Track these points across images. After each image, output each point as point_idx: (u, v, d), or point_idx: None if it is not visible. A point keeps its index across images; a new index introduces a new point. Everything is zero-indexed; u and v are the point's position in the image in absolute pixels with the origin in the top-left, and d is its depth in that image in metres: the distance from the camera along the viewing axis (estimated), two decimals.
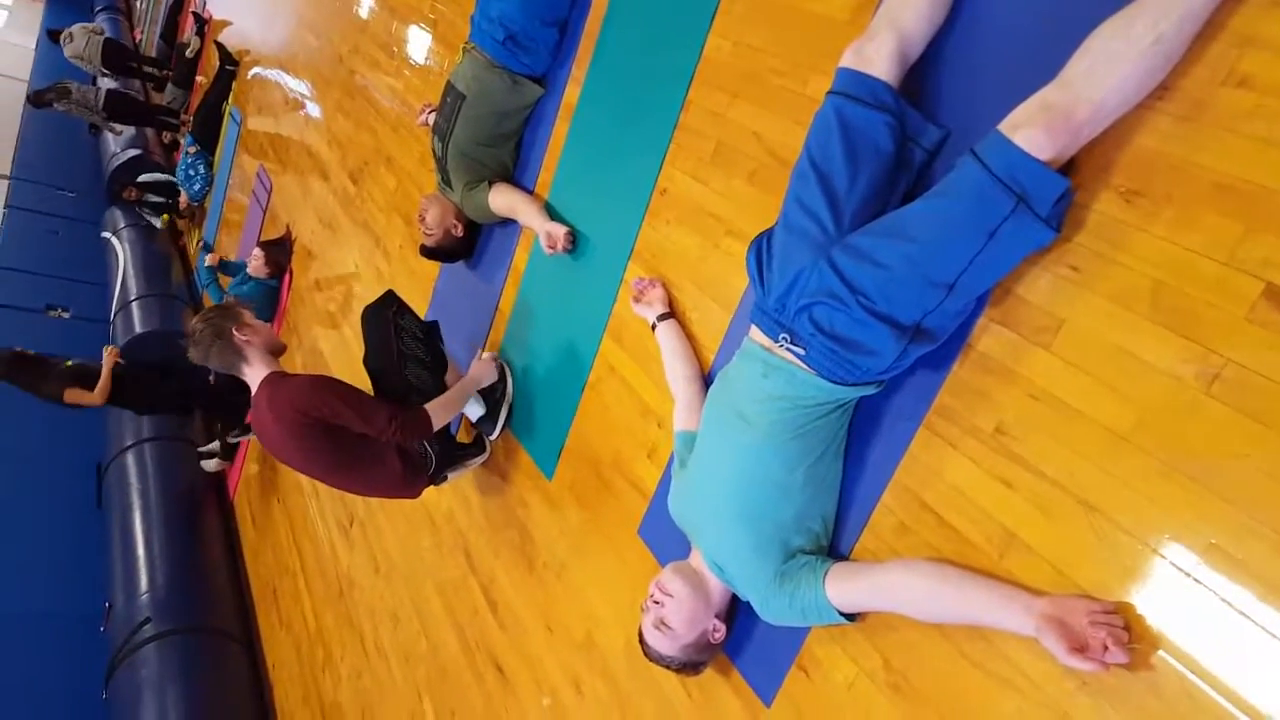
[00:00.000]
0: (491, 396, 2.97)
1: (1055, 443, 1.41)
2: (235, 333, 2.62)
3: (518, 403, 2.97)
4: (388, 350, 2.73)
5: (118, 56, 9.70)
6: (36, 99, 8.90)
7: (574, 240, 2.69)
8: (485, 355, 3.00)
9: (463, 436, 3.20)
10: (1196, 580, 1.22)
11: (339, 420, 2.51)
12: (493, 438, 2.99)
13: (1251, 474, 1.18)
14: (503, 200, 2.95)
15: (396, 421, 2.54)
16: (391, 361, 2.70)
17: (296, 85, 6.22)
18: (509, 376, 2.99)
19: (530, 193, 2.97)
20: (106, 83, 10.09)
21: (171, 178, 8.71)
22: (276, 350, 2.74)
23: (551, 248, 2.68)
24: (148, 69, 10.61)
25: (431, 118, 3.22)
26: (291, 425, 2.50)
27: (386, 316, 2.76)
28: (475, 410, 2.95)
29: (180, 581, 5.09)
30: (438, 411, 2.66)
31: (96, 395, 5.30)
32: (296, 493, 4.95)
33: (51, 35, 10.41)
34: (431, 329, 2.87)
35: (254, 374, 2.64)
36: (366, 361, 2.80)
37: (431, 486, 2.90)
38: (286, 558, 4.99)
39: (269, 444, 2.65)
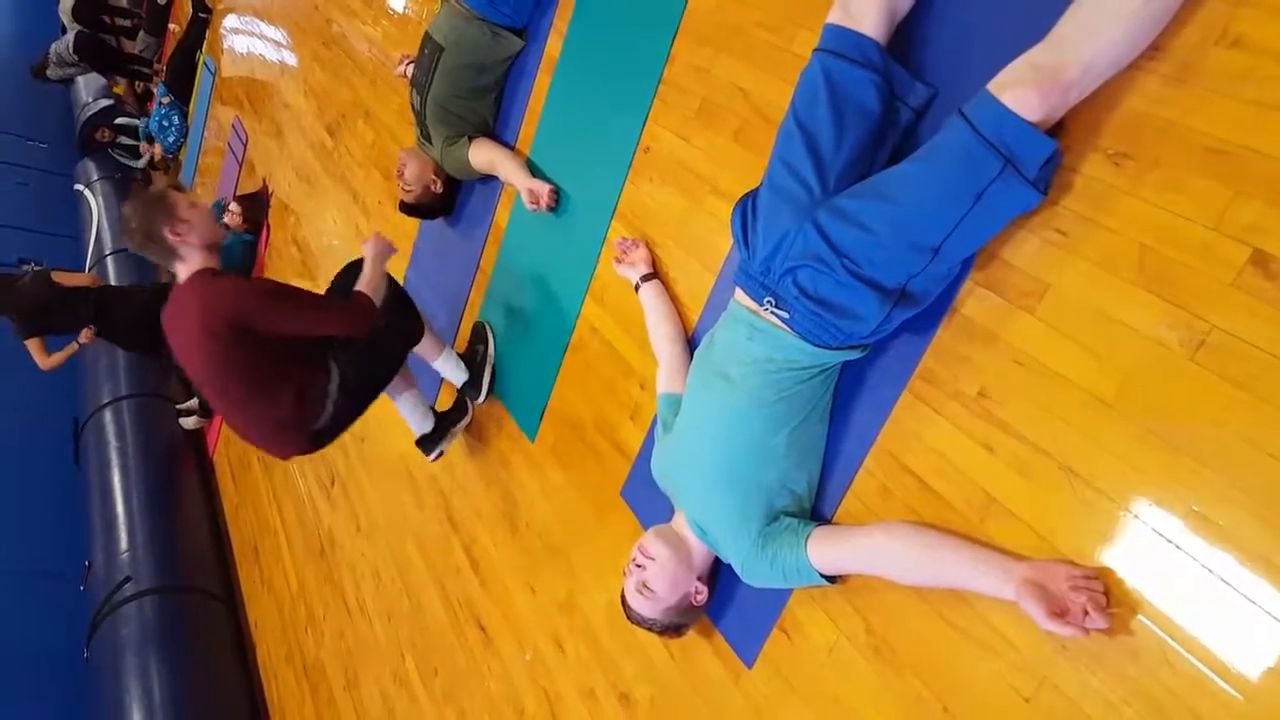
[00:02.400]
0: (474, 360, 2.94)
1: (1038, 408, 1.41)
2: (167, 234, 2.40)
3: (500, 364, 2.94)
4: None
5: (88, 7, 9.45)
6: (36, 74, 9.00)
7: (557, 198, 2.65)
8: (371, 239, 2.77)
9: (441, 405, 3.18)
10: (1177, 546, 1.22)
11: (272, 321, 2.38)
12: (479, 401, 2.96)
13: (1234, 441, 1.18)
14: (483, 156, 2.90)
15: (339, 309, 2.46)
16: None
17: (272, 34, 6.08)
18: (491, 338, 2.96)
19: (511, 148, 2.92)
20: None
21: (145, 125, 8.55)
22: (214, 242, 2.51)
23: (534, 204, 2.64)
24: (119, 21, 10.34)
25: (410, 69, 3.15)
26: (209, 330, 2.33)
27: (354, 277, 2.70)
28: (458, 376, 2.92)
29: (160, 540, 5.07)
30: (374, 293, 2.56)
31: (85, 276, 5.20)
32: None
33: None
34: (401, 291, 2.79)
35: (187, 270, 2.45)
36: None
37: (313, 451, 2.68)
38: (267, 516, 4.98)
39: (177, 339, 2.46)
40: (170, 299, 2.48)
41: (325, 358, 2.56)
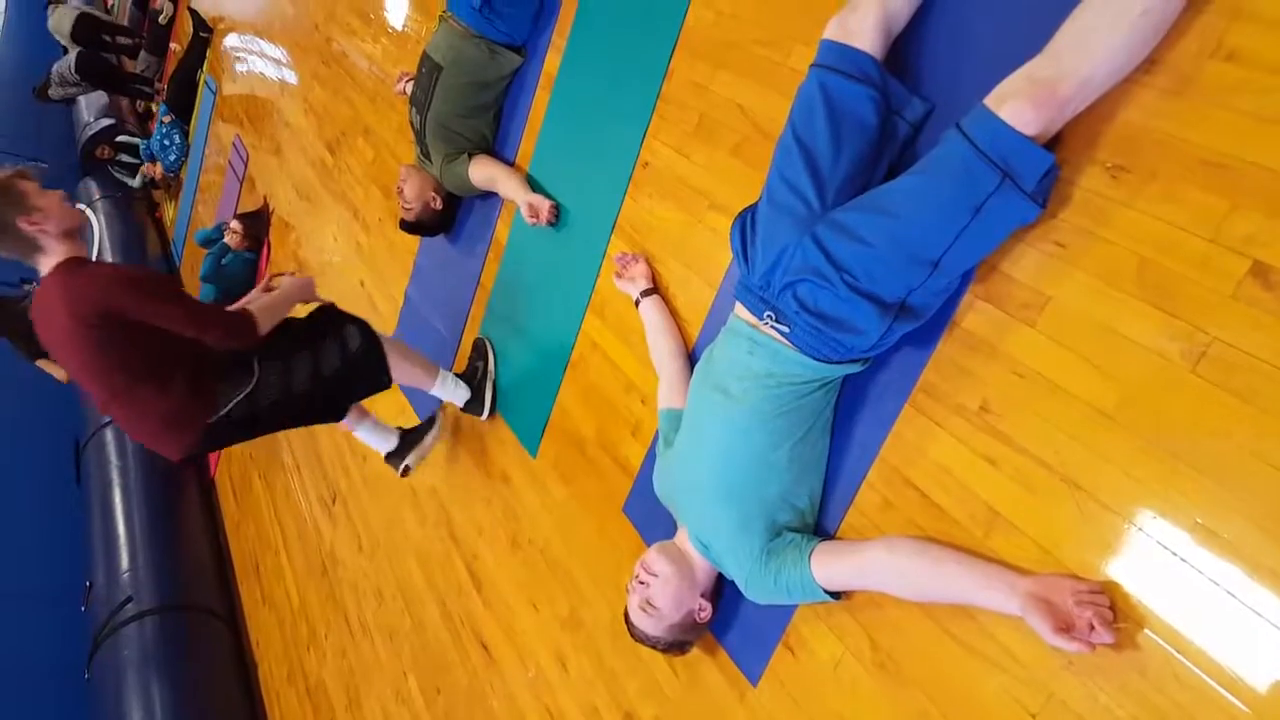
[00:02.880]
0: (474, 377, 2.94)
1: (1040, 420, 1.40)
2: (23, 225, 2.26)
3: (501, 380, 2.94)
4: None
5: (88, 30, 9.49)
6: (39, 95, 9.08)
7: (557, 213, 2.65)
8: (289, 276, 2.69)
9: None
10: (1182, 559, 1.22)
11: (146, 314, 2.23)
12: (484, 418, 2.95)
13: (1237, 452, 1.18)
14: (482, 173, 2.90)
15: (217, 314, 2.34)
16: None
17: (272, 52, 6.10)
18: (490, 353, 2.96)
19: (511, 165, 2.93)
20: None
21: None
22: (74, 229, 2.36)
23: (534, 220, 2.64)
24: (121, 39, 10.39)
25: (409, 87, 3.16)
26: (80, 319, 2.19)
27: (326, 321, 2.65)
28: (460, 395, 2.91)
29: (161, 559, 5.06)
30: (263, 314, 2.42)
31: None
32: (278, 468, 4.92)
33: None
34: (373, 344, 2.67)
35: (50, 262, 2.31)
36: None
37: (206, 452, 2.56)
38: (268, 533, 4.97)
39: (49, 336, 2.33)
40: (37, 294, 2.33)
41: (250, 365, 2.45)
